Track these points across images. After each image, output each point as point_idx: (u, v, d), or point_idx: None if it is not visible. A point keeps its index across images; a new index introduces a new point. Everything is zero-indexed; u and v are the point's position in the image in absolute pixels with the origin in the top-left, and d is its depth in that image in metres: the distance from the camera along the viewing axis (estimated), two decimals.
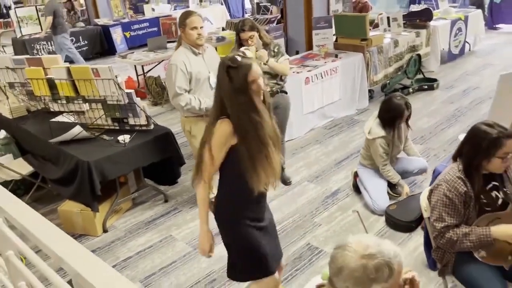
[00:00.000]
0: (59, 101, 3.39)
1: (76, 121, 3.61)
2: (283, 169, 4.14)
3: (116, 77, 3.11)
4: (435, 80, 6.36)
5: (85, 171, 3.16)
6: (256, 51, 3.42)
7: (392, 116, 3.35)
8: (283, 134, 3.92)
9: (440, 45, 6.99)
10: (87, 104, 3.38)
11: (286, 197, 3.92)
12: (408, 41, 6.28)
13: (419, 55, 6.41)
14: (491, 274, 2.08)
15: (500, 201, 2.15)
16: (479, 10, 8.09)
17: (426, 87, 6.24)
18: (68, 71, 3.20)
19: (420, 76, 6.49)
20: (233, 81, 1.86)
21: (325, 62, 5.36)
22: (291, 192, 3.98)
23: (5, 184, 3.80)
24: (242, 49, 3.42)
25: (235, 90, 1.85)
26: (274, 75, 3.59)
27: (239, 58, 1.91)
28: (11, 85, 3.93)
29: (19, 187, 4.07)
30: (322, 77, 5.20)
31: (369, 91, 6.00)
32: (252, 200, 2.02)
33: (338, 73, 5.39)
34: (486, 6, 9.77)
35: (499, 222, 2.10)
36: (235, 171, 1.94)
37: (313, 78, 5.09)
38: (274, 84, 3.62)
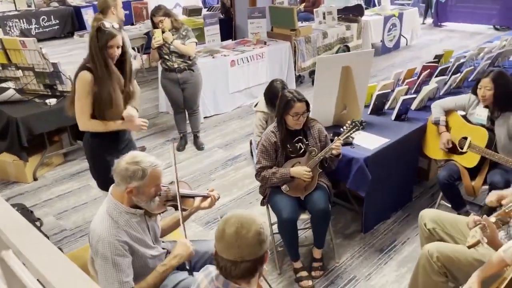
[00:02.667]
0: None
1: (16, 87, 4.28)
2: (197, 136, 4.87)
3: (40, 48, 3.78)
4: None
5: (13, 126, 3.85)
6: (163, 32, 4.11)
7: (271, 97, 4.02)
8: (195, 105, 4.64)
9: (372, 38, 7.71)
10: (20, 71, 4.05)
11: (195, 159, 4.63)
12: (338, 33, 6.98)
13: (347, 46, 7.12)
14: (289, 201, 2.80)
15: (302, 151, 2.88)
16: (415, 8, 8.81)
17: None
18: (1, 41, 3.88)
19: None
20: (98, 41, 2.53)
21: (253, 48, 6.05)
22: (200, 156, 4.69)
23: None
24: (153, 30, 4.14)
25: (98, 48, 2.53)
26: (181, 55, 4.27)
27: (108, 25, 2.57)
28: None
29: None
30: (248, 61, 5.89)
31: (299, 76, 6.71)
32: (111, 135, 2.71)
33: (265, 58, 6.08)
34: (433, 4, 10.49)
35: (299, 165, 2.83)
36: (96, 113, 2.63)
37: (239, 61, 5.78)
38: (181, 62, 4.31)
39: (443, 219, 2.46)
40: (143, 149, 4.76)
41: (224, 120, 5.59)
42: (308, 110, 2.79)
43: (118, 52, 2.61)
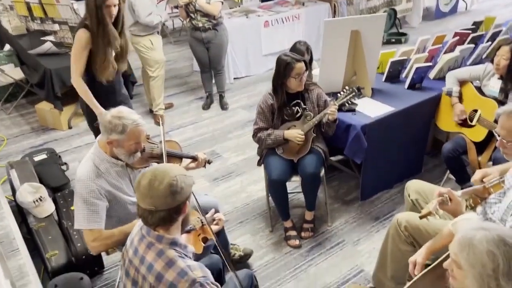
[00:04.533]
0: (35, 21, 4.38)
1: (55, 40, 4.60)
2: (222, 96, 4.98)
3: (72, 3, 4.02)
4: (404, 34, 6.75)
5: (48, 77, 4.17)
6: None
7: None
8: (219, 65, 4.73)
9: (424, 2, 7.26)
10: (56, 25, 4.34)
11: (217, 118, 4.76)
12: None
13: (394, 10, 6.78)
14: (281, 163, 2.85)
15: (298, 114, 2.90)
16: None
17: (393, 40, 6.66)
18: None
19: (394, 30, 6.89)
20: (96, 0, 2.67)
21: (290, 9, 5.95)
22: (223, 115, 4.82)
23: (7, 87, 4.95)
24: None
25: (96, 6, 2.67)
26: (206, 14, 4.33)
27: None
28: (11, 7, 4.96)
29: (17, 91, 5.19)
30: (283, 22, 5.81)
31: None
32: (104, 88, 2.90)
33: (301, 20, 5.97)
34: None
35: (294, 128, 2.86)
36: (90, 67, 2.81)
37: (273, 22, 5.73)
38: (206, 21, 4.37)
39: (426, 190, 2.42)
40: (170, 105, 4.97)
41: (254, 82, 5.63)
42: (307, 69, 2.79)
43: (115, 10, 2.73)
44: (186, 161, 2.55)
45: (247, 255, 2.81)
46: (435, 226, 2.11)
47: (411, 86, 3.36)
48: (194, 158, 2.53)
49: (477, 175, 2.24)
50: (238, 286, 1.87)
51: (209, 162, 2.63)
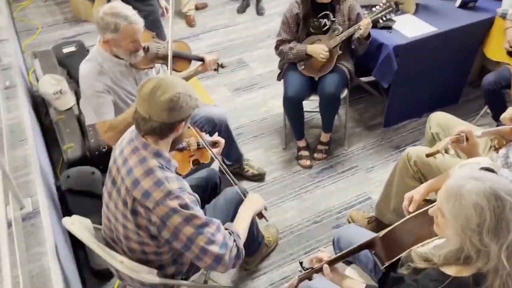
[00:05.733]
0: None
1: None
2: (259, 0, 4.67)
3: None
4: None
5: None
6: None
7: None
8: None
9: None
10: None
11: (251, 23, 4.48)
12: None
13: None
14: (300, 80, 2.68)
15: (326, 28, 2.64)
16: None
17: None
18: None
19: None
20: None
21: None
22: (258, 21, 4.53)
23: None
24: None
25: None
26: None
27: None
28: None
29: None
30: None
31: None
32: None
33: None
34: None
35: (319, 43, 2.64)
36: None
37: None
38: None
39: (449, 123, 2.21)
40: (204, 6, 4.73)
41: None
42: None
43: None
44: (195, 64, 2.43)
45: (260, 175, 2.78)
46: (447, 165, 1.95)
47: (464, 5, 2.95)
48: (202, 60, 2.39)
49: (508, 113, 1.99)
50: (241, 194, 1.85)
51: (222, 66, 2.49)
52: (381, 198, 2.30)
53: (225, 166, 1.84)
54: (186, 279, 1.75)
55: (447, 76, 3.06)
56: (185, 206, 1.42)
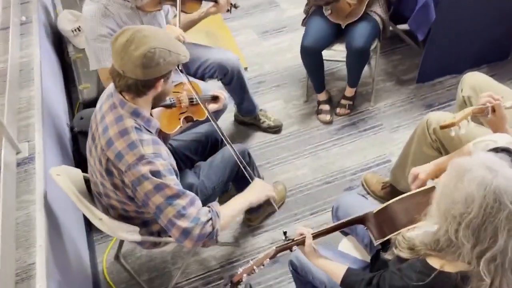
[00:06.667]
0: None
1: None
2: None
3: None
4: None
5: None
6: None
7: None
8: None
9: None
10: None
11: None
12: None
13: None
14: (322, 28, 2.45)
15: None
16: None
17: None
18: None
19: None
20: None
21: None
22: None
23: None
24: None
25: None
26: None
27: None
28: None
29: None
30: None
31: None
32: None
33: None
34: None
35: None
36: None
37: None
38: None
39: (484, 87, 1.94)
40: None
41: None
42: None
43: None
44: (207, 5, 2.25)
45: (276, 127, 2.65)
46: (471, 135, 1.73)
47: None
48: (215, 1, 2.21)
49: None
50: (234, 155, 1.76)
51: (235, 6, 2.30)
52: (396, 164, 2.13)
53: (219, 127, 1.71)
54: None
55: (495, 27, 2.67)
56: (156, 173, 1.34)
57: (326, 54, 2.60)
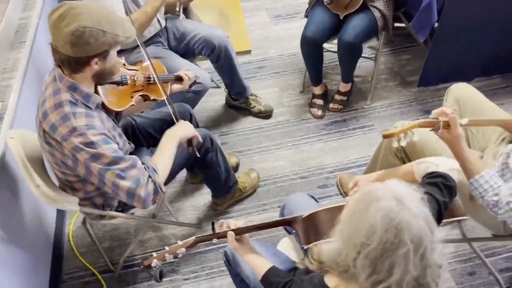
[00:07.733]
0: None
1: None
2: None
3: None
4: None
5: None
6: None
7: None
8: None
9: None
10: None
11: None
12: None
13: None
14: (323, 19, 2.37)
15: None
16: None
17: None
18: None
19: None
20: None
21: None
22: None
23: None
24: None
25: None
26: None
27: None
28: None
29: None
30: None
31: None
32: None
33: None
34: None
35: None
36: None
37: None
38: None
39: (469, 100, 1.83)
40: None
41: None
42: None
43: None
44: None
45: (266, 113, 2.63)
46: (434, 149, 1.64)
47: None
48: None
49: None
50: (172, 115, 1.70)
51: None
52: (366, 169, 2.06)
53: (171, 102, 1.70)
54: (122, 211, 1.75)
55: (508, 33, 2.49)
56: (89, 144, 1.37)
57: (331, 45, 2.54)
